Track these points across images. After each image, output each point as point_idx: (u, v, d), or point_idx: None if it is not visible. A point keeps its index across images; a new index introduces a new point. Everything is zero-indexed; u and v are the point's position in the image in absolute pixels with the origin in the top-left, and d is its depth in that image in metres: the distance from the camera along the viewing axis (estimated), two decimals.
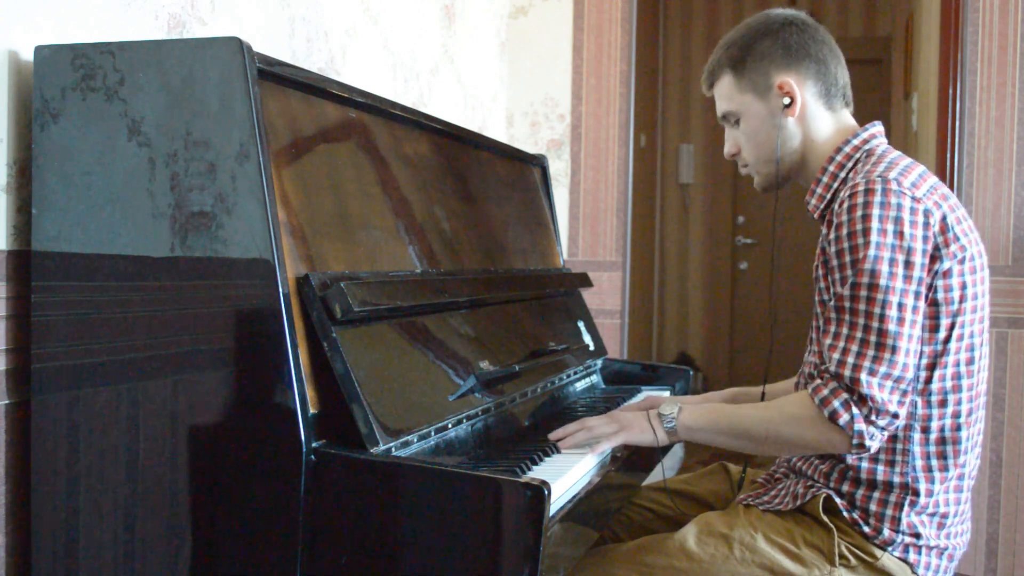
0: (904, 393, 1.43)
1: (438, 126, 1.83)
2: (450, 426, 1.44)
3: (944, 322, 1.47)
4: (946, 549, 1.53)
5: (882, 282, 1.42)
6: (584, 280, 2.36)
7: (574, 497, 1.37)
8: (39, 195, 1.31)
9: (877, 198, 1.43)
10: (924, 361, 1.48)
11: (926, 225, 1.44)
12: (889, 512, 1.50)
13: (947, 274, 1.46)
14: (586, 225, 3.36)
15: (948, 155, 2.96)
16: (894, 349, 1.41)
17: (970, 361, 1.50)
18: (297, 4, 2.05)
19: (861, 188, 1.45)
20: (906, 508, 1.49)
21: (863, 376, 1.41)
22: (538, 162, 2.42)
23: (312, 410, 1.22)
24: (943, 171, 2.97)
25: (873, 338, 1.42)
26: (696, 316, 5.70)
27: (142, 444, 1.28)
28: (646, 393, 2.13)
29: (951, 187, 2.94)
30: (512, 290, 1.89)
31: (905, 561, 1.50)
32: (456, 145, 1.93)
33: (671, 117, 5.61)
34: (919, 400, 1.49)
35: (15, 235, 1.34)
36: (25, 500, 1.33)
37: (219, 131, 1.23)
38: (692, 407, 1.59)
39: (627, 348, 3.46)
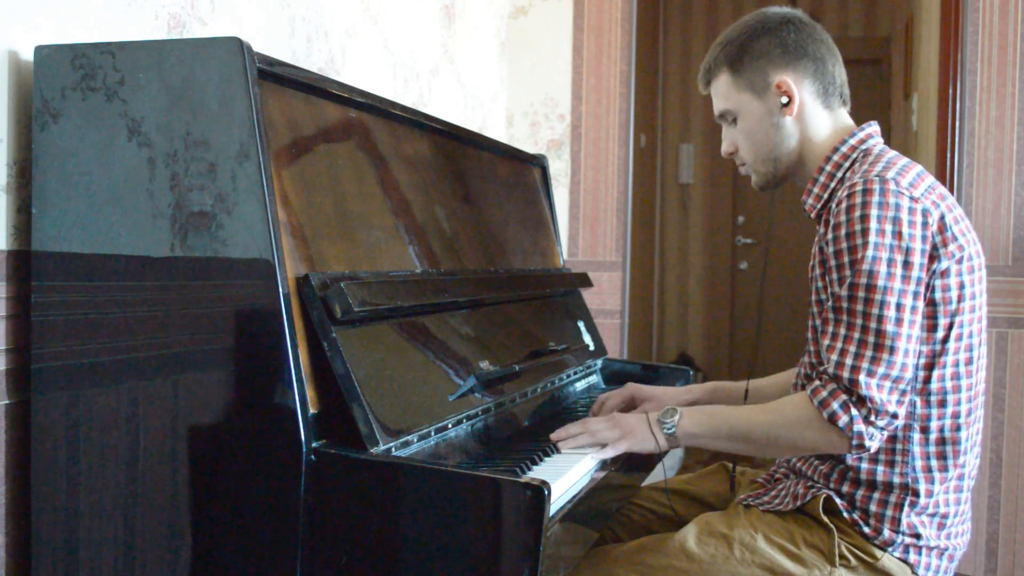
0: (903, 393, 1.43)
1: (438, 126, 1.83)
2: (450, 426, 1.44)
3: (942, 322, 1.47)
4: (946, 549, 1.53)
5: (880, 282, 1.42)
6: (584, 280, 2.36)
7: (574, 497, 1.37)
8: (39, 195, 1.31)
9: (875, 198, 1.43)
10: (923, 361, 1.48)
11: (924, 225, 1.44)
12: (889, 512, 1.50)
13: (945, 274, 1.46)
14: (586, 225, 3.36)
15: (948, 155, 2.96)
16: (892, 349, 1.41)
17: (969, 361, 1.50)
18: (297, 4, 2.05)
19: (859, 188, 1.45)
20: (906, 508, 1.49)
21: (862, 377, 1.41)
22: (538, 162, 2.42)
23: (312, 410, 1.22)
24: (943, 171, 2.97)
25: (871, 338, 1.42)
26: (696, 316, 5.69)
27: (142, 444, 1.28)
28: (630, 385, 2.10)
29: (951, 187, 2.93)
30: (512, 290, 1.89)
31: (905, 562, 1.50)
32: (456, 145, 1.93)
33: (671, 117, 5.61)
34: (918, 400, 1.49)
35: (15, 235, 1.34)
36: (25, 500, 1.33)
37: (219, 131, 1.23)
38: (692, 412, 1.57)
39: (627, 348, 3.46)
